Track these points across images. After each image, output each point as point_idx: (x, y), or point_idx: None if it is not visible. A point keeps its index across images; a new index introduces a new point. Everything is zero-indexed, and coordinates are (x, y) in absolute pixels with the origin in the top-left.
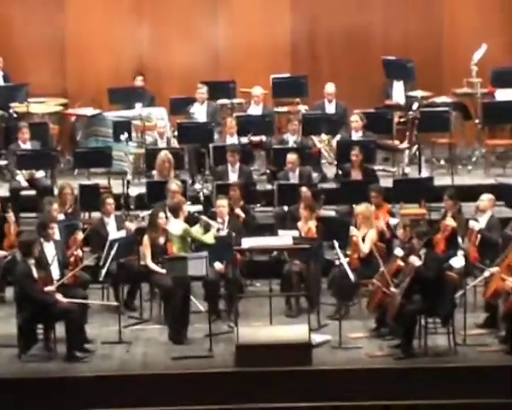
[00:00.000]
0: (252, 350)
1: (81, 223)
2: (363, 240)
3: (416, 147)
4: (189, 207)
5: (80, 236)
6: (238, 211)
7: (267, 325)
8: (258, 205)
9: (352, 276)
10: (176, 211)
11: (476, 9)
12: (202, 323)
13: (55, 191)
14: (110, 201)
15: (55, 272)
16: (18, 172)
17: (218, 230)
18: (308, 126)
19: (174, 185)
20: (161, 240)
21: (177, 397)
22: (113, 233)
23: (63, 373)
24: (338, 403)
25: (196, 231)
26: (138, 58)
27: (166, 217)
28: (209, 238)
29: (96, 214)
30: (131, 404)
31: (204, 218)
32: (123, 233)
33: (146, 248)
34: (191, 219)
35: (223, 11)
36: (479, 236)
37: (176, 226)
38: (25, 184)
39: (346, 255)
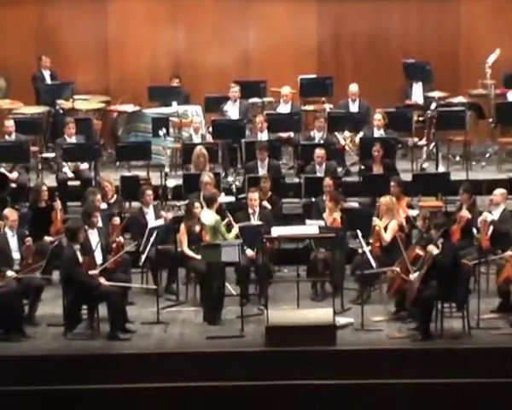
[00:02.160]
0: (280, 331)
1: (118, 211)
2: (385, 230)
3: (433, 144)
4: (222, 199)
5: (117, 221)
6: (265, 203)
7: (294, 309)
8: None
9: (373, 263)
10: (211, 202)
11: (491, 16)
12: (234, 305)
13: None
14: (149, 192)
15: (98, 257)
16: (64, 164)
17: (237, 235)
18: (333, 124)
19: (206, 177)
20: (197, 228)
21: (210, 374)
22: (152, 222)
23: (105, 351)
24: (360, 381)
25: (223, 226)
26: (175, 59)
27: (202, 207)
28: (231, 238)
29: (136, 204)
30: (168, 380)
31: (230, 217)
32: (161, 222)
33: (182, 236)
34: (220, 212)
35: (253, 15)
36: (491, 227)
37: (208, 217)
38: (71, 175)
39: (368, 244)
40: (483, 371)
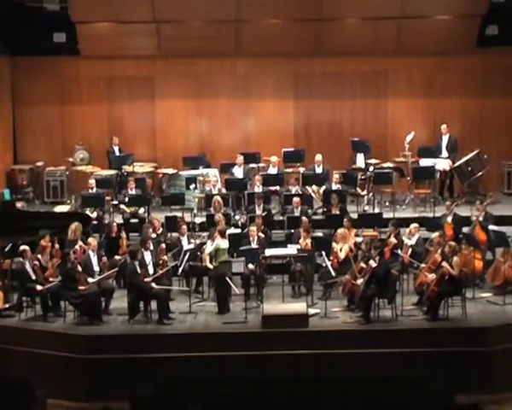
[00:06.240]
0: (271, 318)
1: (163, 239)
2: (341, 251)
3: (371, 194)
4: (232, 231)
5: (163, 247)
6: (260, 234)
7: (280, 303)
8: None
9: (333, 273)
10: (223, 233)
11: (408, 110)
12: (240, 301)
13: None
14: (184, 226)
15: (150, 269)
16: (127, 208)
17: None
18: (305, 181)
19: (217, 217)
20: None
21: (225, 347)
22: (186, 246)
23: (155, 332)
24: (324, 351)
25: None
26: (200, 138)
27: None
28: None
29: (175, 234)
30: (197, 350)
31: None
32: (192, 246)
33: (205, 255)
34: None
35: (252, 109)
36: (410, 249)
37: (225, 242)
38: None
39: (329, 260)
40: (405, 343)
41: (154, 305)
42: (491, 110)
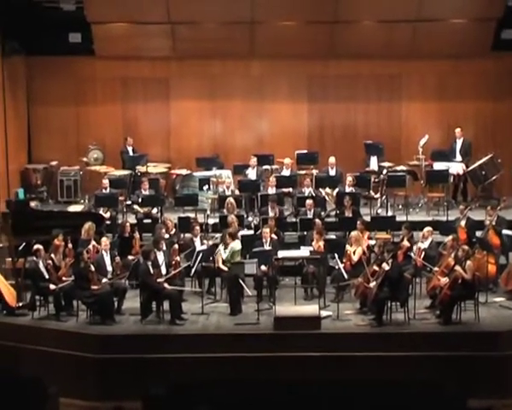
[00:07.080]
0: (284, 320)
1: (176, 240)
2: (354, 253)
3: (384, 197)
4: (244, 232)
5: (176, 247)
6: (273, 235)
7: (293, 305)
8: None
9: (345, 275)
10: (234, 236)
11: (422, 113)
12: (252, 303)
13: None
14: (197, 227)
15: (163, 270)
16: (140, 209)
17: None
18: (318, 183)
19: (229, 218)
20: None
21: (237, 348)
22: (199, 247)
23: (168, 332)
24: (336, 353)
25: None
26: (214, 140)
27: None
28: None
29: (188, 235)
30: (209, 352)
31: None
32: (204, 247)
33: (218, 256)
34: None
35: (266, 111)
36: (423, 252)
37: (238, 244)
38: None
39: (342, 262)
40: (417, 347)
41: (166, 305)
42: (505, 114)
